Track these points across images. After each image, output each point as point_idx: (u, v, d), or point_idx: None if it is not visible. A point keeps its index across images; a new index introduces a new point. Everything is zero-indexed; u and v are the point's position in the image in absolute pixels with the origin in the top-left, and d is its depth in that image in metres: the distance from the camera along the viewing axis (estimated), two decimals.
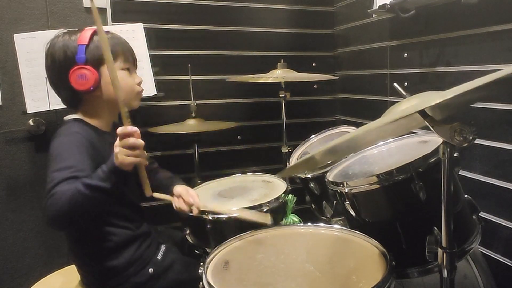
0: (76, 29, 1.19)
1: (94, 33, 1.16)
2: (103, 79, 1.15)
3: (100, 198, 0.98)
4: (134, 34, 1.79)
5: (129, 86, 1.23)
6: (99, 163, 1.04)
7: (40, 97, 1.63)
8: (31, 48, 1.63)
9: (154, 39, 1.96)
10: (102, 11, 1.93)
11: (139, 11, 1.99)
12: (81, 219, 1.02)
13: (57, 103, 1.62)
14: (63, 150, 1.05)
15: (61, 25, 1.85)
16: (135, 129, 0.99)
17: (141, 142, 1.00)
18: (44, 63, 1.17)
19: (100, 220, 1.15)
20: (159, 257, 1.24)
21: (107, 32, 1.20)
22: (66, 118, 1.19)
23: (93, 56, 1.14)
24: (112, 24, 1.92)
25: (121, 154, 0.97)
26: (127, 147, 0.98)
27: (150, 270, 1.20)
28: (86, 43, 1.14)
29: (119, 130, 0.98)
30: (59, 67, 1.15)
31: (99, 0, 1.91)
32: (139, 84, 1.27)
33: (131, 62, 1.24)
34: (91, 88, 1.13)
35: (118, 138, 0.99)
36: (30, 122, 1.83)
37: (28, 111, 1.63)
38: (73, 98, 1.18)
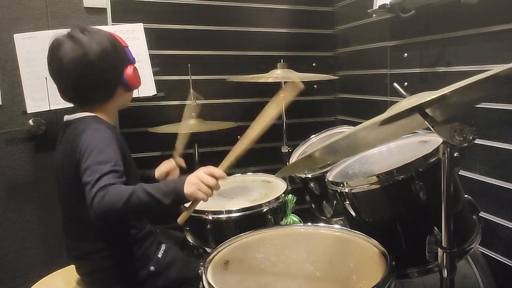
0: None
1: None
2: None
3: (152, 208, 1.00)
4: (134, 34, 1.79)
5: None
6: (123, 158, 1.08)
7: (40, 97, 1.62)
8: (31, 48, 1.62)
9: (154, 39, 1.96)
10: (102, 11, 1.93)
11: (139, 11, 1.99)
12: (126, 219, 1.05)
13: (57, 103, 1.62)
14: (98, 144, 1.06)
15: (61, 25, 1.85)
16: (225, 176, 1.03)
17: (219, 187, 1.04)
18: (94, 57, 1.12)
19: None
20: (159, 255, 1.25)
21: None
22: (78, 115, 1.18)
23: None
24: (112, 24, 1.92)
25: (196, 186, 1.00)
26: (207, 185, 1.00)
27: (152, 268, 1.21)
28: (127, 46, 1.21)
29: (214, 169, 1.02)
30: (117, 63, 1.18)
31: (99, 0, 1.92)
32: None
33: None
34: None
35: (201, 170, 1.02)
36: (30, 122, 1.83)
37: (28, 111, 1.63)
38: (105, 96, 1.20)
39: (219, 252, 1.12)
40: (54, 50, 1.13)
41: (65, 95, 1.20)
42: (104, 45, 1.14)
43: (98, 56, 1.12)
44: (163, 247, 1.28)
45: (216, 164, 1.07)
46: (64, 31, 1.19)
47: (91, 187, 0.95)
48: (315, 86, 2.41)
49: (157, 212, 1.01)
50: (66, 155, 1.13)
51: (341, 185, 1.16)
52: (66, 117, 1.20)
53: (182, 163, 1.45)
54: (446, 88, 0.66)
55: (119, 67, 1.19)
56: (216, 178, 1.02)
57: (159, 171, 1.44)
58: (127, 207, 0.94)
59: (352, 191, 1.13)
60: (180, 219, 1.08)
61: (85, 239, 1.17)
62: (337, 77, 2.28)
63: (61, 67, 1.12)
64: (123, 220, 1.15)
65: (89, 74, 1.13)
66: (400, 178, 1.04)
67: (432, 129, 0.76)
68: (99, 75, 1.15)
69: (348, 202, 1.16)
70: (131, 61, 1.22)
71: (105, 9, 1.93)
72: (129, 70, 1.19)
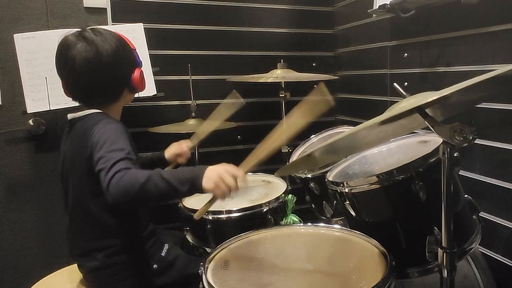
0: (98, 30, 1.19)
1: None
2: None
3: (166, 195, 0.99)
4: (134, 34, 1.79)
5: None
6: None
7: (40, 97, 1.62)
8: (31, 48, 1.62)
9: (154, 39, 1.96)
10: (102, 11, 1.93)
11: (139, 11, 1.99)
12: (140, 204, 1.05)
13: (57, 103, 1.63)
14: (111, 135, 1.06)
15: (61, 25, 1.85)
16: (247, 180, 1.02)
17: (238, 188, 1.01)
18: (106, 58, 1.13)
19: (131, 215, 1.19)
20: (163, 254, 1.25)
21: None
22: (86, 112, 1.17)
23: None
24: (112, 24, 1.92)
25: (216, 184, 0.97)
26: (226, 185, 0.98)
27: (155, 266, 1.21)
28: (135, 48, 1.22)
29: (237, 171, 1.00)
30: (127, 65, 1.19)
31: (99, 0, 1.92)
32: None
33: None
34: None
35: (223, 168, 1.00)
36: (30, 122, 1.83)
37: (28, 111, 1.63)
38: (112, 97, 1.20)
39: (219, 252, 1.12)
40: (65, 49, 1.13)
41: (72, 95, 1.20)
42: (116, 47, 1.15)
43: (110, 58, 1.13)
44: (166, 246, 1.28)
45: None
46: (65, 31, 1.18)
47: (106, 171, 0.95)
48: (315, 86, 2.40)
49: (171, 199, 1.01)
50: (76, 150, 1.13)
51: (341, 185, 1.16)
52: (71, 115, 1.20)
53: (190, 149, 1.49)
54: (447, 89, 0.66)
55: (128, 69, 1.20)
56: (239, 179, 1.00)
57: (169, 152, 1.49)
58: (143, 191, 0.93)
59: (352, 191, 1.13)
60: (197, 215, 1.07)
61: (90, 236, 1.17)
62: (337, 77, 2.28)
63: (72, 67, 1.12)
64: (137, 206, 1.13)
65: (100, 75, 1.14)
66: (400, 178, 1.04)
67: (432, 129, 0.76)
68: (110, 77, 1.16)
69: (348, 202, 1.16)
70: (139, 64, 1.23)
71: (105, 9, 1.93)
72: (136, 73, 1.21)
